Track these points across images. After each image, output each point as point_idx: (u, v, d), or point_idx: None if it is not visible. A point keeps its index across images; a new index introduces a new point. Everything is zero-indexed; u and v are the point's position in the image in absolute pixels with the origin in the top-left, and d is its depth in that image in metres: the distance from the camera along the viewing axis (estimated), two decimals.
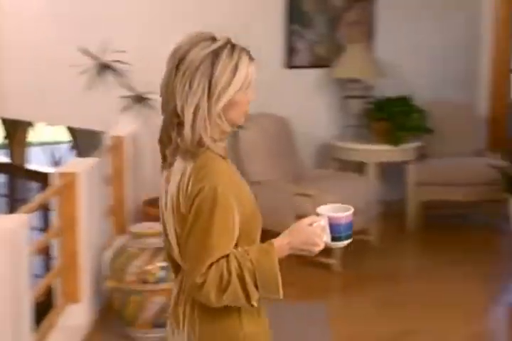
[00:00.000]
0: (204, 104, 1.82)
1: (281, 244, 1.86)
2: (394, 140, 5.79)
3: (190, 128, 1.83)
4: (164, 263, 3.89)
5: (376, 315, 4.47)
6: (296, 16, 6.22)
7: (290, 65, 6.27)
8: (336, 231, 1.86)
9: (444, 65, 6.94)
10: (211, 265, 1.80)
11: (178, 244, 1.91)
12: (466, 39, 7.08)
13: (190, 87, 1.81)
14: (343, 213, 1.88)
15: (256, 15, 6.06)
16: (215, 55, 1.82)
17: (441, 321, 4.32)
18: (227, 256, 1.82)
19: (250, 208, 1.92)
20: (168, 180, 1.92)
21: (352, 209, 1.90)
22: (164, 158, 1.95)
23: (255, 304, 1.85)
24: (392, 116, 5.85)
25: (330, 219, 1.87)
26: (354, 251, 4.82)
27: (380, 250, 5.60)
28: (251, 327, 1.93)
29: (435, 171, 6.12)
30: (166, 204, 1.92)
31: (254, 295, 1.82)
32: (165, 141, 1.91)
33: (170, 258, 2.04)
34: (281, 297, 1.85)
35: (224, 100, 1.84)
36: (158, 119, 2.00)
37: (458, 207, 6.33)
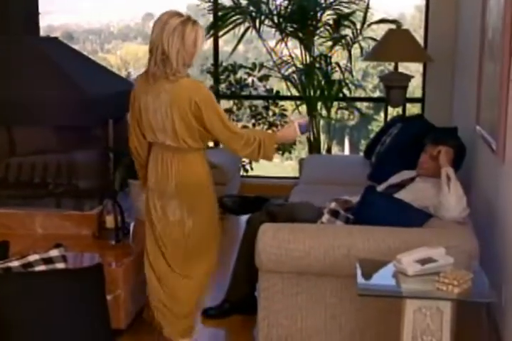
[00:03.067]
0: (182, 50, 3.31)
1: (281, 135, 3.58)
2: None
3: (175, 61, 3.31)
4: None
5: None
6: None
7: None
8: (300, 128, 3.53)
9: None
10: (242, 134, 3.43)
11: (176, 130, 3.37)
12: None
13: (172, 40, 3.28)
14: (301, 119, 3.62)
15: None
16: (183, 24, 3.31)
17: None
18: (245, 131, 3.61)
19: None
20: (157, 96, 3.35)
21: (306, 117, 3.43)
22: (148, 83, 3.38)
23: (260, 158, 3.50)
24: None
25: (297, 121, 3.56)
26: None
27: None
28: (207, 168, 3.54)
29: None
30: (162, 111, 3.36)
31: (266, 154, 3.44)
32: (154, 72, 3.33)
33: (138, 149, 3.61)
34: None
35: (195, 54, 3.35)
36: None
37: None
